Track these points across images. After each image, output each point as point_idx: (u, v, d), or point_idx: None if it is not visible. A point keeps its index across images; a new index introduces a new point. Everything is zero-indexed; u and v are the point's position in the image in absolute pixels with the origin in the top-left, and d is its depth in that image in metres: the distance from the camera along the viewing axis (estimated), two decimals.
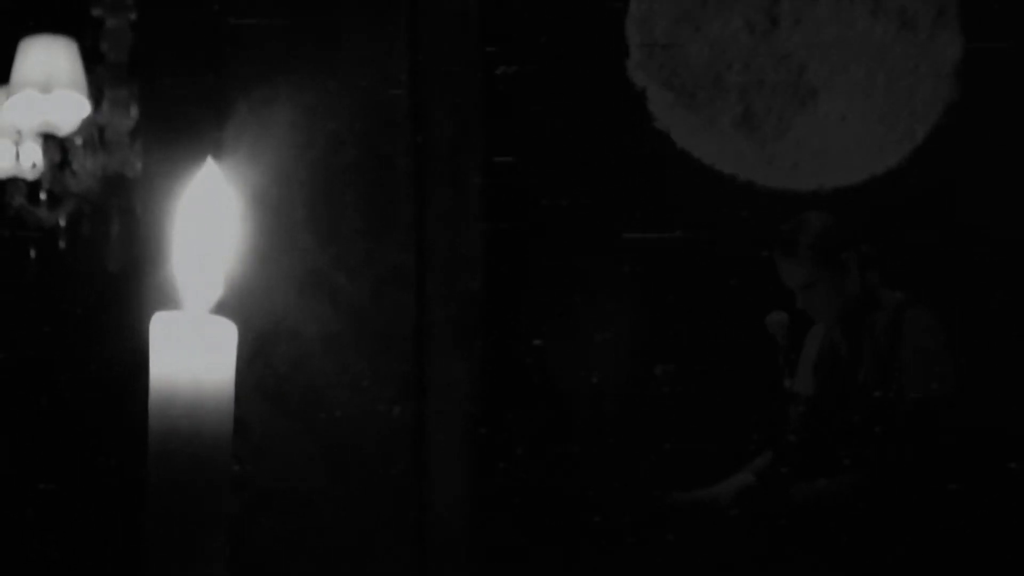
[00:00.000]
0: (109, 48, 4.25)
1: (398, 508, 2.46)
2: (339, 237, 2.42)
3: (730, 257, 3.73)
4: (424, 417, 2.47)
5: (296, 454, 2.39)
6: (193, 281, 0.94)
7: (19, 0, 4.16)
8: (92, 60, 4.18)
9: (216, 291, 0.95)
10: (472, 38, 2.72)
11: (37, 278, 4.61)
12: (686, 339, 3.85)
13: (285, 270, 2.18)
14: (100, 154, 4.21)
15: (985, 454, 3.54)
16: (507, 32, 3.23)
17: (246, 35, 2.52)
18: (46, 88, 3.99)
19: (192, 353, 0.93)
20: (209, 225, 0.94)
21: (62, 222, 4.24)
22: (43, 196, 4.19)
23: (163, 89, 2.58)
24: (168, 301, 0.95)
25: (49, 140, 4.08)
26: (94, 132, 4.21)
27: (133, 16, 4.17)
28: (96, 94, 4.16)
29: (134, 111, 4.21)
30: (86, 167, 4.19)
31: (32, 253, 4.33)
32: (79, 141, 4.17)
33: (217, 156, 2.27)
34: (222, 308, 0.95)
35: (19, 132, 4.12)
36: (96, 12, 4.18)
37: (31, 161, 4.17)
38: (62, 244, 4.25)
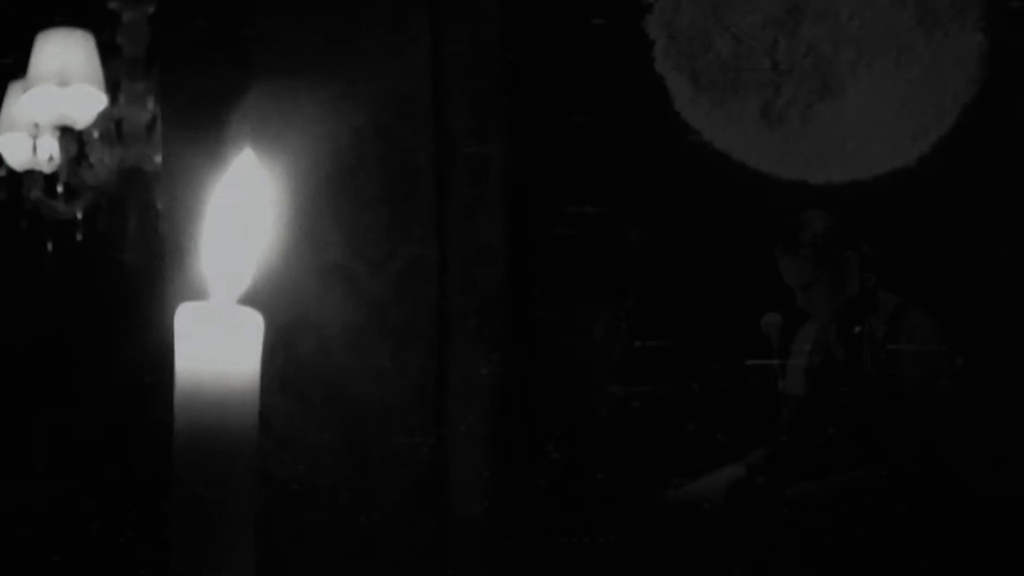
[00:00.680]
0: (126, 41, 4.25)
1: (419, 502, 2.45)
2: (361, 230, 2.41)
3: (737, 255, 3.73)
4: (445, 410, 2.46)
5: (316, 448, 2.38)
6: (221, 271, 0.93)
7: None
8: (109, 53, 4.18)
9: (243, 282, 0.93)
10: (494, 31, 2.70)
11: (57, 271, 4.62)
12: (687, 337, 3.84)
13: (306, 263, 2.17)
14: (117, 147, 4.22)
15: (983, 458, 3.52)
16: (530, 25, 3.22)
17: (268, 29, 2.51)
18: (63, 81, 3.99)
19: (218, 344, 0.92)
20: (242, 214, 0.93)
21: (79, 215, 4.24)
22: (60, 189, 4.20)
23: (184, 83, 2.57)
24: (191, 293, 0.94)
25: (66, 133, 4.08)
26: (111, 125, 4.21)
27: (150, 9, 4.17)
28: (113, 87, 4.16)
29: (151, 104, 4.21)
30: (103, 160, 4.20)
31: (49, 246, 4.33)
32: (96, 134, 4.18)
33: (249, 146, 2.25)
34: (247, 300, 0.93)
35: (36, 125, 4.13)
36: (113, 5, 4.19)
37: (48, 154, 4.18)
38: (79, 237, 4.25)
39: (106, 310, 4.72)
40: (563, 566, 3.38)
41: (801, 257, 3.59)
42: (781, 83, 3.50)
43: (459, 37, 2.62)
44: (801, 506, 3.46)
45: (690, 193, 3.61)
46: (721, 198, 3.62)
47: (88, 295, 4.90)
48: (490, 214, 2.59)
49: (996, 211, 3.51)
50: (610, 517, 3.49)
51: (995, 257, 3.53)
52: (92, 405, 4.72)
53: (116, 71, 4.20)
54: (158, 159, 4.17)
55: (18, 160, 4.36)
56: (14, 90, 4.32)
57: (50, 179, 4.25)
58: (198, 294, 0.93)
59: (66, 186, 4.19)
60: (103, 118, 4.14)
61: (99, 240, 4.32)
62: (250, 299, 0.93)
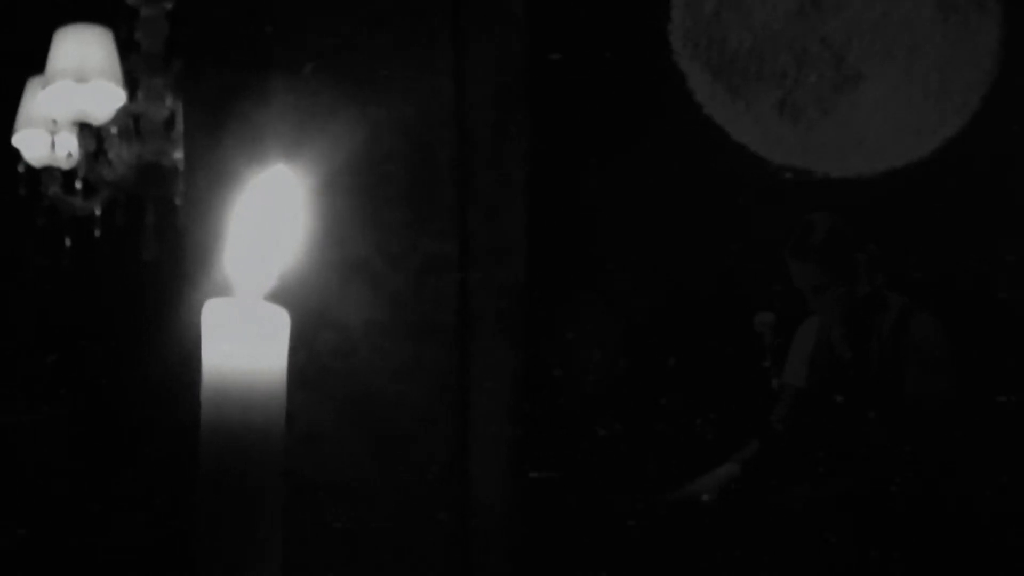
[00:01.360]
0: (144, 37, 4.25)
1: (440, 497, 2.45)
2: (381, 226, 2.40)
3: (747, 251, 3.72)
4: (466, 405, 2.45)
5: (338, 443, 2.38)
6: (247, 268, 0.93)
7: None
8: (127, 49, 4.18)
9: (270, 279, 0.93)
10: (516, 25, 2.70)
11: (75, 266, 4.62)
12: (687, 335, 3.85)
13: (328, 259, 2.17)
14: (135, 143, 4.22)
15: (984, 460, 3.51)
16: (552, 19, 3.21)
17: (290, 25, 2.51)
18: (81, 78, 3.99)
19: (245, 340, 0.91)
20: (271, 211, 0.93)
21: (97, 211, 4.25)
22: (78, 185, 4.20)
23: (206, 80, 2.57)
24: (215, 289, 0.94)
25: (84, 129, 4.08)
26: (129, 121, 4.22)
27: (168, 5, 4.18)
28: (131, 83, 4.16)
29: (169, 100, 4.22)
30: (121, 156, 4.20)
31: (67, 242, 4.34)
32: (114, 130, 4.18)
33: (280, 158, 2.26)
34: (273, 297, 0.93)
35: (55, 122, 4.13)
36: (131, 2, 4.19)
37: (67, 150, 4.18)
38: (97, 233, 4.25)
39: (125, 306, 4.73)
40: (583, 557, 3.38)
41: (812, 261, 3.58)
42: (799, 75, 3.49)
43: (481, 34, 2.61)
44: (789, 509, 3.45)
45: (705, 191, 3.61)
46: (736, 197, 3.62)
47: (106, 291, 4.92)
48: (511, 210, 2.58)
49: (1008, 207, 3.50)
50: (623, 512, 3.49)
51: (1004, 256, 3.51)
52: (112, 400, 4.73)
53: (134, 67, 4.20)
54: (176, 155, 4.17)
55: (36, 156, 4.36)
56: (32, 86, 4.33)
57: (68, 175, 4.26)
58: (223, 290, 0.93)
59: (84, 182, 4.19)
60: (121, 114, 4.14)
61: (117, 236, 4.32)
62: (273, 295, 0.93)
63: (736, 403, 3.74)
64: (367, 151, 2.36)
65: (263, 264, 0.93)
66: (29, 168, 4.37)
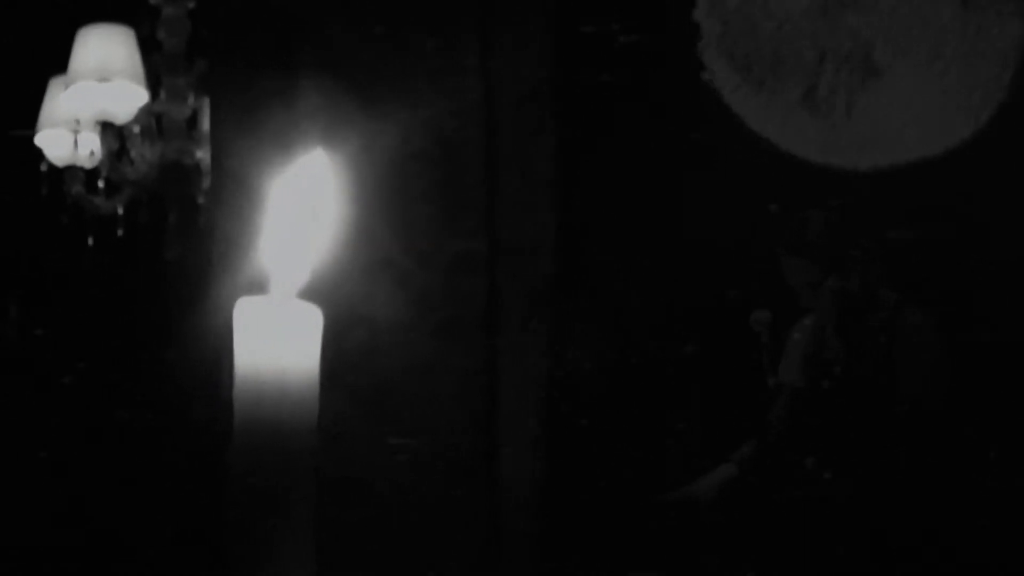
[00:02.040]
0: (166, 36, 4.26)
1: (470, 497, 2.45)
2: (409, 224, 2.40)
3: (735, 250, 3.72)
4: (495, 403, 2.45)
5: (365, 442, 2.38)
6: (281, 265, 0.92)
7: None
8: (149, 49, 4.19)
9: (302, 277, 0.93)
10: (544, 23, 2.70)
11: (98, 266, 4.63)
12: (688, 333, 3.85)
13: (356, 257, 2.16)
14: (157, 142, 4.22)
15: (977, 458, 3.49)
16: (579, 15, 3.21)
17: (317, 25, 2.50)
18: (104, 77, 4.00)
19: (277, 338, 0.91)
20: (304, 209, 0.92)
21: (120, 210, 4.25)
22: (101, 184, 4.20)
23: (233, 79, 2.57)
24: (244, 288, 0.94)
25: (107, 128, 4.09)
26: (151, 120, 4.22)
27: (190, 4, 4.18)
28: (153, 83, 4.17)
29: (191, 99, 4.22)
30: (144, 156, 4.20)
31: (90, 241, 4.34)
32: (137, 129, 4.18)
33: (294, 149, 2.25)
34: (303, 294, 0.93)
35: (77, 121, 4.14)
36: (154, 1, 4.19)
37: (89, 150, 4.19)
38: (120, 232, 4.26)
39: (148, 306, 4.74)
40: (611, 556, 3.38)
41: (805, 256, 3.56)
42: (823, 69, 3.47)
43: (508, 33, 2.61)
44: (785, 510, 3.44)
45: (727, 189, 3.60)
46: (760, 195, 3.61)
47: (130, 290, 4.93)
48: (538, 207, 2.58)
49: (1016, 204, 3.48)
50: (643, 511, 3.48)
51: (1001, 252, 3.50)
52: (138, 400, 4.74)
53: (156, 66, 4.20)
54: (199, 154, 4.18)
55: (59, 156, 4.37)
56: (55, 86, 4.33)
57: (91, 174, 4.26)
58: (251, 288, 0.93)
59: (107, 181, 4.20)
60: (144, 113, 4.15)
61: (140, 235, 4.33)
62: (303, 293, 0.93)
63: (734, 402, 3.74)
64: (395, 150, 2.36)
65: (297, 260, 0.92)
66: (52, 167, 4.38)
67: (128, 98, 4.07)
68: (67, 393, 4.97)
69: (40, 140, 4.41)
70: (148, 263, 4.45)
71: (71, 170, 4.29)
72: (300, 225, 0.92)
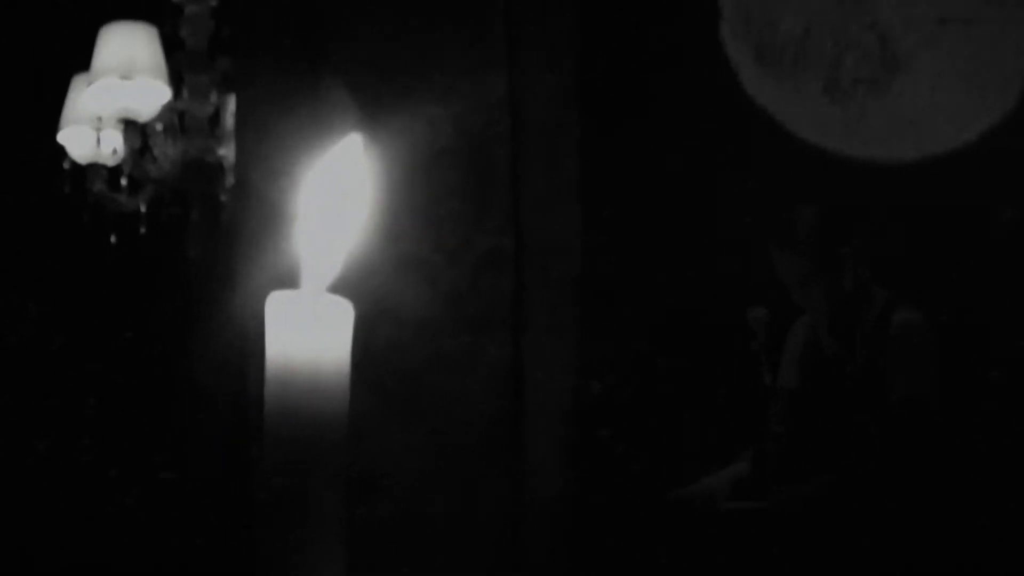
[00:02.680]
0: (189, 34, 4.27)
1: (495, 493, 2.44)
2: (437, 221, 2.40)
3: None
4: (521, 400, 2.45)
5: (392, 437, 2.38)
6: (312, 260, 0.92)
7: None
8: (172, 46, 4.19)
9: (333, 271, 0.93)
10: (569, 20, 2.69)
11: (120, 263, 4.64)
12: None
13: (383, 253, 2.16)
14: (180, 140, 4.23)
15: (969, 453, 3.48)
16: (604, 11, 3.21)
17: (343, 21, 2.50)
18: (127, 75, 4.00)
19: (309, 332, 0.91)
20: (338, 201, 0.92)
21: (142, 208, 4.26)
22: (124, 182, 4.21)
23: (257, 75, 2.57)
24: (268, 283, 0.93)
25: (129, 126, 4.10)
26: (174, 118, 4.23)
27: (213, 2, 4.19)
28: (176, 80, 4.18)
29: (214, 97, 4.23)
30: (166, 153, 4.21)
31: (113, 238, 4.35)
32: (159, 127, 4.19)
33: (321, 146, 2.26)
34: (334, 289, 0.93)
35: (100, 119, 4.15)
36: None
37: (112, 147, 4.19)
38: (142, 229, 4.27)
39: (170, 302, 4.75)
40: (638, 554, 3.38)
41: (797, 252, 3.55)
42: (845, 58, 3.46)
43: (534, 29, 2.60)
44: (786, 507, 3.43)
45: (766, 166, 3.59)
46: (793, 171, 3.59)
47: (153, 287, 4.94)
48: (565, 204, 2.58)
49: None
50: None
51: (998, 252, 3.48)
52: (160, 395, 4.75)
53: (179, 64, 4.21)
54: (221, 151, 4.18)
55: (82, 153, 4.38)
56: (78, 83, 4.34)
57: (113, 172, 4.27)
58: (280, 283, 0.92)
59: (129, 179, 4.20)
60: (166, 111, 4.16)
61: (163, 232, 4.34)
62: (333, 287, 0.92)
63: (741, 402, 3.74)
64: (422, 147, 2.36)
65: (328, 254, 0.92)
66: (75, 165, 4.39)
67: (151, 96, 4.08)
68: (88, 391, 4.99)
69: (63, 138, 4.42)
70: (171, 260, 4.46)
71: (94, 168, 4.30)
72: (332, 219, 0.92)
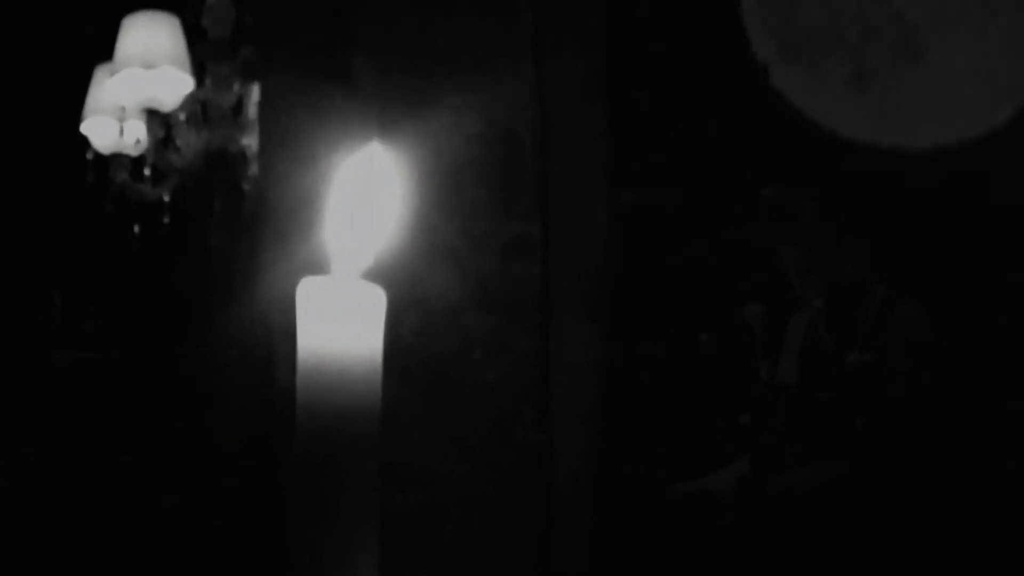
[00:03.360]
0: (211, 24, 4.27)
1: (522, 480, 2.44)
2: (465, 208, 2.40)
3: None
4: (549, 386, 2.44)
5: (419, 425, 2.38)
6: (343, 247, 0.91)
7: None
8: (194, 36, 4.20)
9: (366, 259, 0.92)
10: (597, 8, 2.68)
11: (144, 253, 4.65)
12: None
13: (410, 240, 2.16)
14: (203, 130, 4.24)
15: (967, 447, 3.46)
16: (630, 8, 3.20)
17: (370, 10, 2.50)
18: (149, 65, 4.01)
19: (342, 319, 0.90)
20: (368, 191, 0.91)
21: (166, 197, 4.27)
22: (147, 172, 4.22)
23: (282, 63, 2.57)
24: (308, 268, 0.93)
25: (152, 116, 4.10)
26: (197, 108, 4.24)
27: None
28: (199, 70, 4.18)
29: (236, 86, 4.23)
30: (189, 143, 4.22)
31: (136, 228, 4.37)
32: (182, 117, 4.20)
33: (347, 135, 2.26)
34: (368, 276, 0.92)
35: (123, 109, 4.15)
36: None
37: (135, 137, 4.20)
38: (166, 219, 4.28)
39: (193, 292, 4.76)
40: (667, 547, 3.37)
41: (799, 244, 3.54)
42: (867, 49, 3.44)
43: (562, 18, 2.60)
44: (784, 496, 3.42)
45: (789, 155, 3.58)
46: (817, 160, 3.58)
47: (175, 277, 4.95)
48: (592, 192, 2.57)
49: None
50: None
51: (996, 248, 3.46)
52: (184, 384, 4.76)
53: (202, 53, 4.22)
54: (244, 141, 4.19)
55: (105, 143, 4.39)
56: (101, 74, 4.35)
57: (137, 162, 4.28)
58: (309, 270, 0.92)
59: (153, 168, 4.21)
60: (189, 101, 4.16)
61: (186, 222, 4.35)
62: (372, 276, 0.92)
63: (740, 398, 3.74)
64: (450, 134, 2.35)
65: (360, 242, 0.91)
66: (98, 155, 4.40)
67: (174, 86, 4.08)
68: (114, 384, 5.00)
69: (86, 128, 4.43)
70: (194, 250, 4.47)
71: (117, 158, 4.31)
72: (363, 207, 0.91)
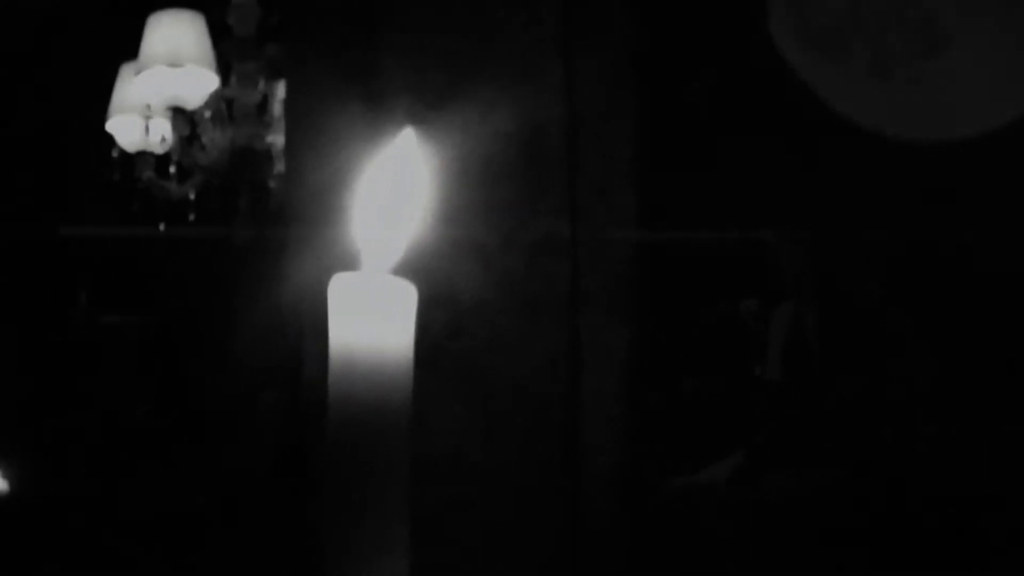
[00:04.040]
0: (236, 21, 4.28)
1: (549, 477, 2.44)
2: (492, 204, 2.40)
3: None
4: (577, 384, 2.44)
5: (448, 422, 2.38)
6: (373, 243, 0.91)
7: None
8: (220, 34, 4.20)
9: (396, 254, 0.92)
10: (624, 6, 2.68)
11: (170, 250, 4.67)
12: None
13: (438, 237, 2.16)
14: (228, 127, 4.25)
15: (964, 447, 3.45)
16: (657, 4, 3.19)
17: (396, 4, 2.50)
18: (175, 63, 4.02)
19: (373, 314, 0.90)
20: (398, 186, 0.91)
21: (191, 195, 4.28)
22: (172, 170, 4.23)
23: (307, 60, 2.57)
24: (339, 265, 0.93)
25: (178, 114, 4.11)
26: (222, 106, 4.24)
27: None
28: (224, 68, 4.19)
29: (262, 84, 4.24)
30: (215, 141, 4.23)
31: (162, 226, 4.38)
32: (207, 115, 4.21)
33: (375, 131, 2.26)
34: (397, 272, 0.92)
35: (148, 107, 4.16)
36: None
37: (160, 135, 4.21)
38: (191, 217, 4.29)
39: (219, 290, 4.78)
40: (694, 542, 3.37)
41: (797, 246, 3.54)
42: (889, 38, 3.43)
43: (589, 12, 2.59)
44: (775, 497, 3.42)
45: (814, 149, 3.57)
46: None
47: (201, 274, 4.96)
48: (621, 188, 2.57)
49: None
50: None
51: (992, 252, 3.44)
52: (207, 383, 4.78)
53: (227, 51, 4.22)
54: (269, 139, 4.20)
55: (130, 141, 4.40)
56: (126, 72, 4.36)
57: (162, 160, 4.29)
58: (338, 266, 0.92)
59: (178, 166, 4.22)
60: (214, 98, 4.17)
61: (211, 220, 4.36)
62: (401, 271, 0.92)
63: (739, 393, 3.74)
64: (477, 131, 2.35)
65: (390, 237, 0.91)
66: (123, 154, 4.41)
67: (199, 83, 4.09)
68: (141, 374, 5.02)
69: (111, 126, 4.44)
70: (220, 247, 4.48)
71: (142, 156, 4.32)
72: (393, 202, 0.91)
